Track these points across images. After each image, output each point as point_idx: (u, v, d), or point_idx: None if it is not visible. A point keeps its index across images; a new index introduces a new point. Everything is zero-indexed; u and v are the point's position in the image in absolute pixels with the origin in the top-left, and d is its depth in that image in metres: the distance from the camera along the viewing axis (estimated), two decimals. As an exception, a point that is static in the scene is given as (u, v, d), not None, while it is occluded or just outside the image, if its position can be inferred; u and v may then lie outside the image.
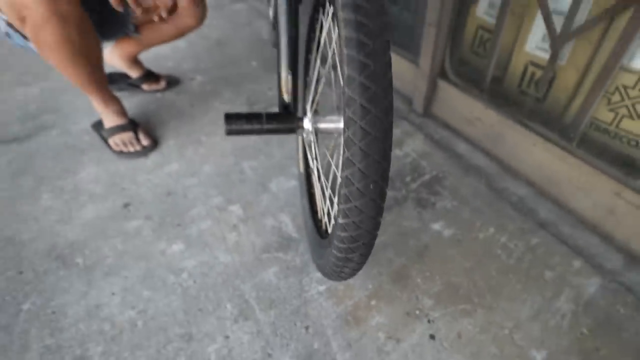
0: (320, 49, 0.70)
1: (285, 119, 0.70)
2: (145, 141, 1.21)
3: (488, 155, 1.07)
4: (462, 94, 1.09)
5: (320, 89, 0.70)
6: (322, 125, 0.69)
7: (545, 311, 0.75)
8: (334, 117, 0.70)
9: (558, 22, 0.93)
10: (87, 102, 1.45)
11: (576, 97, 0.96)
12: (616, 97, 0.89)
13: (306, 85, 0.79)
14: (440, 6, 1.00)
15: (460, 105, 1.11)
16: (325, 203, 0.68)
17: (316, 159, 0.73)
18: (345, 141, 0.41)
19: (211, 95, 1.46)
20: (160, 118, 1.37)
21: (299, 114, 0.74)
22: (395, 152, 1.11)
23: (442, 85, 1.14)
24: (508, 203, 0.96)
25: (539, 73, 1.04)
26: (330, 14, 0.51)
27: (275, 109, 0.78)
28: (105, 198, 1.07)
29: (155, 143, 1.23)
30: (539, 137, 0.93)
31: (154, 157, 1.20)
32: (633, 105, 0.87)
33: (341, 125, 0.69)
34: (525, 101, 1.06)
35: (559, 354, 0.69)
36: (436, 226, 0.92)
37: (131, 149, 1.19)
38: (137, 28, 1.24)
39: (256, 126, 0.69)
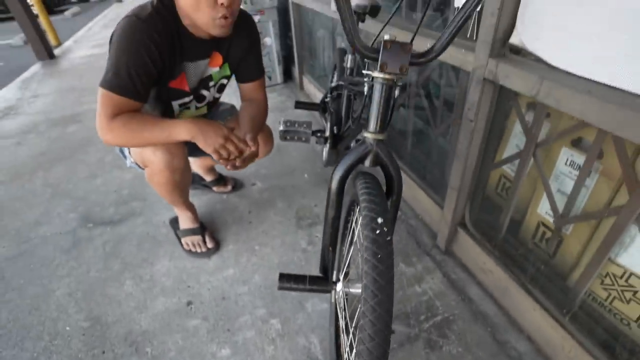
0: (350, 232, 0.94)
1: (322, 282, 0.93)
2: (210, 244, 1.49)
3: (496, 304, 1.22)
4: (477, 245, 1.28)
5: (349, 260, 0.93)
6: (351, 290, 0.91)
7: None
8: (359, 285, 0.92)
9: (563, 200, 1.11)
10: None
11: (577, 267, 1.12)
12: (608, 280, 1.04)
13: (340, 256, 1.03)
14: (461, 174, 1.24)
15: (475, 254, 1.30)
16: (347, 347, 0.88)
17: (345, 311, 0.94)
18: (362, 300, 0.63)
19: (267, 204, 1.76)
20: (223, 220, 1.67)
21: (334, 278, 0.97)
22: (415, 289, 1.30)
23: (462, 233, 1.34)
24: (508, 358, 1.09)
25: (548, 233, 1.22)
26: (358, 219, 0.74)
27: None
28: (173, 293, 1.34)
29: (218, 246, 1.51)
30: (537, 303, 1.09)
31: (215, 259, 1.47)
32: (622, 292, 1.01)
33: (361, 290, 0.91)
34: (535, 257, 1.23)
35: None
36: (442, 370, 1.07)
37: (198, 250, 1.48)
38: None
39: (300, 286, 0.92)
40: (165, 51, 1.00)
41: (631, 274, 0.98)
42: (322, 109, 1.80)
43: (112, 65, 0.94)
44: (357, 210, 0.95)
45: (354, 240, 0.92)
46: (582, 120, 0.80)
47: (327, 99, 1.55)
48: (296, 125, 1.30)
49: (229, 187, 1.84)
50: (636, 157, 0.88)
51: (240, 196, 1.83)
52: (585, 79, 0.78)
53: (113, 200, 1.86)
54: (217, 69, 1.25)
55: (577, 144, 1.07)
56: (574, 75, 0.80)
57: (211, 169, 1.80)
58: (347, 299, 0.93)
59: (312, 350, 1.13)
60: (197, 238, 1.49)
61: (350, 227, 0.96)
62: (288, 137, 1.30)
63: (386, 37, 0.69)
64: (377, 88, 0.76)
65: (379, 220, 0.71)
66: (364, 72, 0.78)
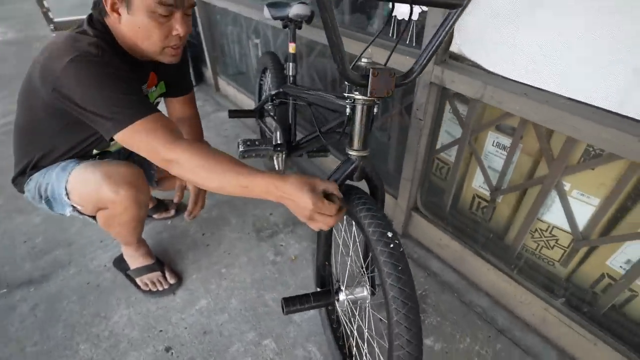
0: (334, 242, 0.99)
1: (325, 296, 0.96)
2: (171, 279, 1.38)
3: (456, 272, 1.41)
4: (431, 225, 1.44)
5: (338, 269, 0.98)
6: (354, 296, 0.96)
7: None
8: (358, 289, 0.98)
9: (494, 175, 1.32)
10: (98, 231, 1.59)
11: (511, 227, 1.35)
12: (537, 235, 1.28)
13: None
14: (413, 166, 1.37)
15: (431, 233, 1.46)
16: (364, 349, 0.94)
17: (353, 316, 0.99)
18: (393, 311, 0.68)
19: (220, 222, 1.68)
20: (176, 249, 1.55)
21: (335, 288, 1.01)
22: (387, 275, 1.41)
23: (416, 216, 1.50)
24: (475, 314, 1.28)
25: (483, 203, 1.44)
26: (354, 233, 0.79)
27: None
28: (145, 343, 1.21)
29: (180, 279, 1.41)
30: (490, 264, 1.29)
31: (181, 294, 1.37)
32: (547, 241, 1.27)
33: (365, 293, 0.97)
34: (477, 225, 1.44)
35: None
36: (428, 342, 1.21)
37: (160, 288, 1.36)
38: (158, 181, 1.45)
39: (306, 305, 0.94)
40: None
41: (553, 227, 1.23)
42: (259, 116, 1.75)
43: (112, 104, 0.79)
44: (355, 225, 0.99)
45: (340, 249, 0.97)
46: (521, 117, 0.97)
47: (269, 106, 1.52)
48: (256, 143, 1.26)
49: (172, 212, 1.70)
50: (550, 137, 1.10)
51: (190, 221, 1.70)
52: (521, 83, 0.94)
53: (25, 253, 1.56)
54: (153, 88, 1.13)
55: (499, 128, 1.27)
56: (511, 80, 0.96)
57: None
58: (352, 305, 0.98)
59: (312, 358, 1.16)
60: (156, 275, 1.36)
61: (333, 238, 1.00)
62: (246, 156, 1.26)
63: (370, 64, 0.73)
64: (359, 109, 0.80)
65: (389, 234, 0.76)
66: (346, 95, 0.80)
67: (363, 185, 0.89)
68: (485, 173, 1.34)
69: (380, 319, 1.16)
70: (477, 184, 1.45)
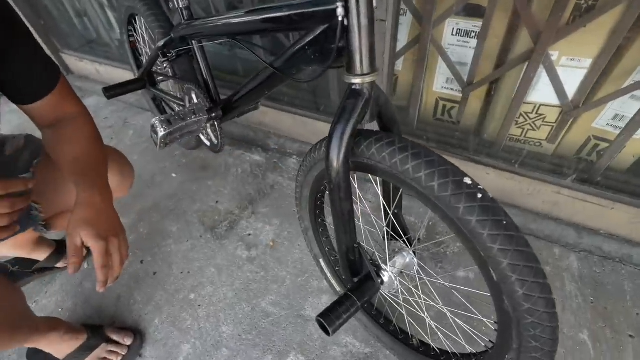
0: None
1: (368, 286, 0.71)
2: (126, 340, 0.98)
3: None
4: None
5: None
6: (400, 269, 0.73)
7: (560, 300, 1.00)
8: (399, 258, 0.74)
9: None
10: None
11: (490, 121, 1.23)
12: (521, 120, 1.18)
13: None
14: (380, 81, 1.10)
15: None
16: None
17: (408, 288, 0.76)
18: (515, 282, 0.48)
19: (156, 237, 1.25)
20: (113, 297, 1.12)
21: (366, 271, 0.75)
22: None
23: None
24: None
25: (449, 104, 1.28)
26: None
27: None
28: None
29: (138, 335, 1.01)
30: (489, 167, 1.17)
31: (151, 352, 0.99)
32: (534, 122, 1.17)
33: (408, 259, 0.74)
34: (450, 131, 1.29)
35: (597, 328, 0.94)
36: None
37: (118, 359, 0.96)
38: (48, 224, 0.95)
39: (352, 307, 0.68)
40: None
41: (540, 105, 1.12)
42: (151, 84, 1.26)
43: None
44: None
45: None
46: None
47: (162, 65, 1.07)
48: (181, 116, 0.83)
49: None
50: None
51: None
52: None
53: None
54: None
55: (458, 13, 1.06)
56: None
57: (40, 241, 1.11)
58: (399, 279, 0.75)
59: (354, 351, 0.95)
60: (102, 349, 0.95)
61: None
62: (169, 142, 0.84)
63: None
64: (364, 4, 0.48)
65: (467, 180, 0.51)
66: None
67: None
68: (452, 67, 1.14)
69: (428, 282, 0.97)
70: (439, 86, 1.26)
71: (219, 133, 0.98)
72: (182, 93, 1.04)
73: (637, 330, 0.94)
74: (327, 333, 0.65)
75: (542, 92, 1.09)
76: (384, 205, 0.74)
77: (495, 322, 0.60)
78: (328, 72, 1.30)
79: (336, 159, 0.58)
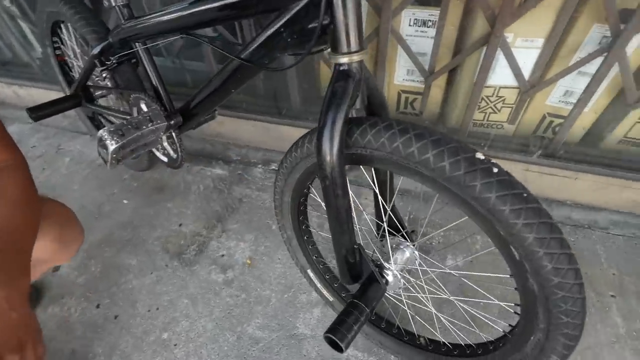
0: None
1: (371, 287, 0.65)
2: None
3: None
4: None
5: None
6: (404, 265, 0.68)
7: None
8: (399, 255, 0.69)
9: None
10: None
11: (450, 109, 1.24)
12: (483, 104, 1.20)
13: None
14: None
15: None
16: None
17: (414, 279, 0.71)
18: (543, 257, 0.45)
19: (113, 274, 1.09)
20: (67, 352, 0.94)
21: (368, 272, 0.68)
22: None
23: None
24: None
25: (411, 96, 1.28)
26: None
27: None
28: None
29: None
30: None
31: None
32: (495, 105, 1.20)
33: (409, 253, 0.70)
34: (407, 119, 1.29)
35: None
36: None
37: None
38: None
39: (361, 316, 0.61)
40: None
41: (500, 87, 1.15)
42: (87, 100, 1.11)
43: None
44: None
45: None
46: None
47: (100, 76, 0.94)
48: (135, 125, 0.71)
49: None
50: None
51: (57, 303, 1.05)
52: None
53: None
54: None
55: (414, 2, 1.06)
56: None
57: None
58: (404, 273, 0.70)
59: (356, 364, 0.88)
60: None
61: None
62: (121, 157, 0.70)
63: None
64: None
65: (479, 156, 0.47)
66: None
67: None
68: (413, 57, 1.14)
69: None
70: (400, 78, 1.26)
71: (178, 145, 0.87)
72: (129, 105, 0.91)
73: (617, 289, 0.98)
74: (339, 349, 0.58)
75: (500, 75, 1.12)
76: (380, 200, 0.68)
77: (516, 305, 0.56)
78: (286, 73, 1.24)
79: (330, 150, 0.52)
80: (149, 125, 0.68)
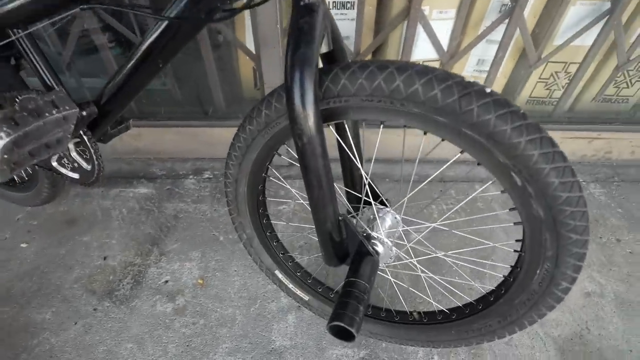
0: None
1: (364, 262, 0.57)
2: None
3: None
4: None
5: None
6: (390, 234, 0.62)
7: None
8: (386, 223, 0.64)
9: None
10: None
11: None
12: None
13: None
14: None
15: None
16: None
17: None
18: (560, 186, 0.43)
19: (20, 337, 0.83)
20: None
21: (357, 246, 0.60)
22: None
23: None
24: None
25: None
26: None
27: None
28: None
29: None
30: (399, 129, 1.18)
31: None
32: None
33: (392, 218, 0.64)
34: None
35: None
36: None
37: None
38: None
39: (365, 293, 0.53)
40: None
41: (423, 62, 1.19)
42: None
43: None
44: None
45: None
46: None
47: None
48: (33, 112, 0.51)
49: None
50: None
51: None
52: None
53: None
54: None
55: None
56: None
57: None
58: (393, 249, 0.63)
59: (348, 363, 0.79)
60: None
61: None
62: (16, 162, 0.51)
63: None
64: None
65: (487, 90, 0.44)
66: None
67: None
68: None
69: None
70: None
71: (92, 152, 0.69)
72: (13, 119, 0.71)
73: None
74: (349, 337, 0.49)
75: (422, 49, 1.16)
76: (357, 164, 0.62)
77: (517, 241, 0.54)
78: (205, 73, 1.11)
79: (302, 101, 0.44)
80: (54, 112, 0.51)
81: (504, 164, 0.45)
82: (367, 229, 0.62)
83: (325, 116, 0.51)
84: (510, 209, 0.51)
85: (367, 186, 0.62)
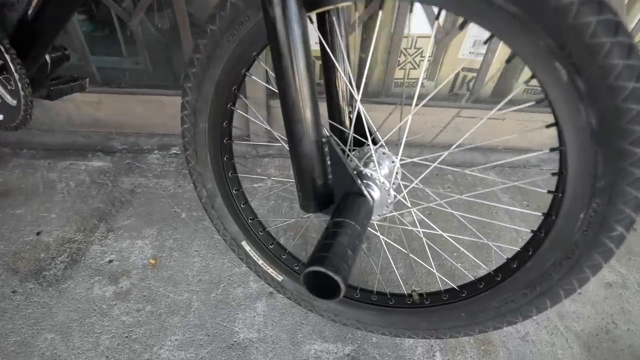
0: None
1: (356, 203, 0.43)
2: None
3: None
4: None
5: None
6: (389, 173, 0.49)
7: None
8: (385, 161, 0.50)
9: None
10: None
11: (370, 70, 1.17)
12: (402, 58, 1.14)
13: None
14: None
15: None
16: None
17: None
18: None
19: None
20: None
21: (347, 189, 0.47)
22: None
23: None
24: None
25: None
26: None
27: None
28: None
29: None
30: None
31: None
32: (413, 59, 1.16)
33: (389, 158, 0.51)
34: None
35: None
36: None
37: None
38: None
39: (354, 235, 0.39)
40: None
41: (417, 37, 1.11)
42: None
43: None
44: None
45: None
46: None
47: None
48: None
49: None
50: None
51: None
52: None
53: None
54: None
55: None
56: None
57: None
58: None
59: (330, 359, 0.62)
60: None
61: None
62: None
63: None
64: None
65: None
66: None
67: None
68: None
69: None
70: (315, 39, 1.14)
71: (18, 77, 0.55)
72: None
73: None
74: (333, 291, 0.34)
75: (416, 23, 1.08)
76: (349, 84, 0.49)
77: (553, 174, 0.41)
78: (180, 38, 1.00)
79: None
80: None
81: (547, 48, 0.33)
82: (359, 164, 0.48)
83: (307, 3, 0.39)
84: (548, 126, 0.39)
85: (358, 110, 0.49)
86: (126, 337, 0.64)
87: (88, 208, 0.88)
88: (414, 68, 1.18)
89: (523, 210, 0.60)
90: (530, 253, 0.46)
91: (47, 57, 0.70)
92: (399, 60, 1.14)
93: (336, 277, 0.33)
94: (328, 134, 0.43)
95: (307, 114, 0.40)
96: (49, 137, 1.09)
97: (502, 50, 1.14)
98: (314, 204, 0.45)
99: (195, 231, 0.83)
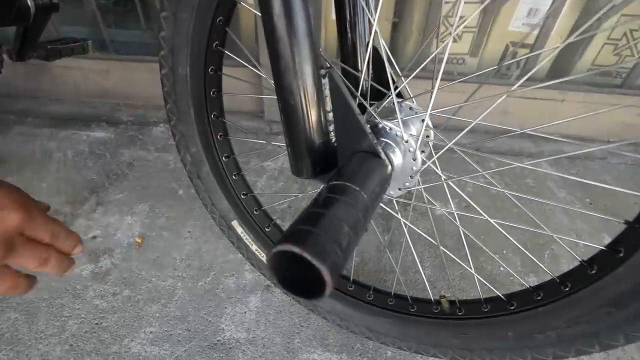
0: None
1: (368, 166, 0.31)
2: None
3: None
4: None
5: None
6: (413, 132, 0.35)
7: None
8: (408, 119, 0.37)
9: None
10: None
11: (403, 38, 1.02)
12: (443, 29, 0.99)
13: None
14: None
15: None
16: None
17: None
18: None
19: None
20: None
21: (357, 146, 0.34)
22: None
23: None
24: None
25: None
26: None
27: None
28: None
29: None
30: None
31: None
32: (458, 35, 1.00)
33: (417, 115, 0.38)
34: None
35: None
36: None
37: None
38: None
39: (359, 218, 0.26)
40: None
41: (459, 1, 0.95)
42: None
43: None
44: None
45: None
46: None
47: None
48: None
49: None
50: None
51: None
52: None
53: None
54: None
55: None
56: None
57: None
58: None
59: (331, 374, 0.50)
60: None
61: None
62: None
63: None
64: None
65: None
66: None
67: None
68: None
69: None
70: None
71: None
72: None
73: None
74: (317, 289, 0.22)
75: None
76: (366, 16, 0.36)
77: None
78: None
79: None
80: None
81: None
82: (375, 115, 0.35)
83: None
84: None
85: (374, 49, 0.36)
86: (96, 324, 0.55)
87: (81, 179, 0.80)
88: (455, 41, 1.03)
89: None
90: (622, 255, 0.31)
91: (30, 1, 0.62)
92: (439, 36, 1.00)
93: (319, 265, 0.20)
94: (329, 65, 0.30)
95: (299, 24, 0.27)
96: (56, 106, 1.03)
97: (562, 22, 0.96)
98: (309, 165, 0.32)
99: (191, 210, 0.73)
